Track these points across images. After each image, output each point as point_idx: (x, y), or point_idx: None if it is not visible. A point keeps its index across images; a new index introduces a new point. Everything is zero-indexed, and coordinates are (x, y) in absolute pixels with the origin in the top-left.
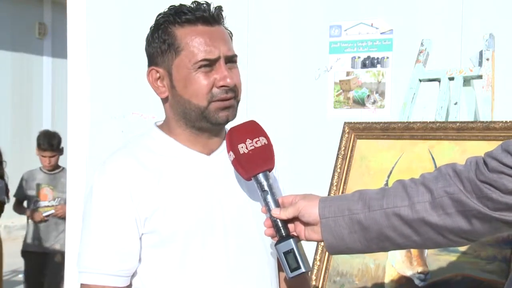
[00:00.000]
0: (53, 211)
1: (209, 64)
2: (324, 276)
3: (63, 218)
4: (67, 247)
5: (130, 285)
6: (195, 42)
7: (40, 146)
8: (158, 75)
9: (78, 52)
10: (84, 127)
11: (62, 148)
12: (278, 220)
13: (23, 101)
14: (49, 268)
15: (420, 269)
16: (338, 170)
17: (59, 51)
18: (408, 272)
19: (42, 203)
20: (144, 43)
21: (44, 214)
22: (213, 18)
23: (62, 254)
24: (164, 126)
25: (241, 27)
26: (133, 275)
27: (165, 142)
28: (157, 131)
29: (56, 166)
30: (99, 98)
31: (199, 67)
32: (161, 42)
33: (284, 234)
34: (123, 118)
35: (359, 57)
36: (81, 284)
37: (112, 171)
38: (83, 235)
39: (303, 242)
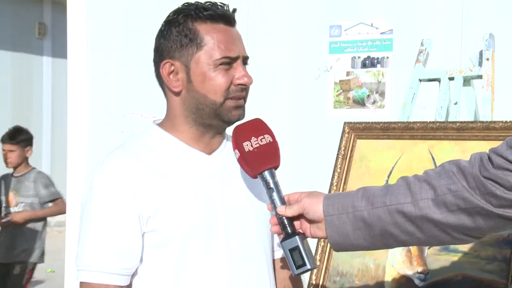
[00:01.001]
0: (9, 218)
1: (229, 62)
2: (324, 276)
3: (21, 224)
4: (67, 248)
5: (130, 284)
6: (218, 40)
7: (1, 139)
8: (172, 68)
9: (78, 52)
10: (84, 127)
11: (27, 146)
12: (284, 217)
13: (23, 101)
14: (10, 281)
15: (420, 269)
16: (338, 170)
17: (59, 51)
18: (408, 272)
19: (11, 209)
20: (144, 42)
21: (3, 221)
22: (233, 19)
23: (22, 266)
24: (166, 124)
25: (241, 27)
26: (133, 275)
27: (166, 140)
28: (157, 129)
29: (20, 166)
30: (99, 98)
31: (220, 64)
32: (182, 36)
33: (289, 231)
34: (123, 118)
35: (359, 57)
36: (81, 283)
37: (113, 168)
38: (82, 233)
39: (309, 239)
